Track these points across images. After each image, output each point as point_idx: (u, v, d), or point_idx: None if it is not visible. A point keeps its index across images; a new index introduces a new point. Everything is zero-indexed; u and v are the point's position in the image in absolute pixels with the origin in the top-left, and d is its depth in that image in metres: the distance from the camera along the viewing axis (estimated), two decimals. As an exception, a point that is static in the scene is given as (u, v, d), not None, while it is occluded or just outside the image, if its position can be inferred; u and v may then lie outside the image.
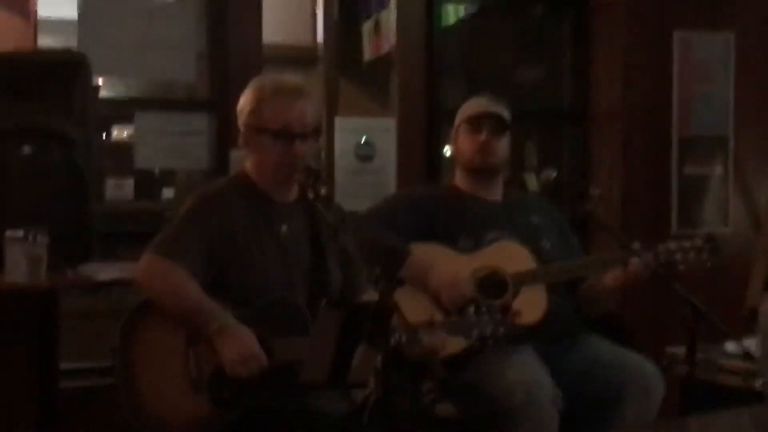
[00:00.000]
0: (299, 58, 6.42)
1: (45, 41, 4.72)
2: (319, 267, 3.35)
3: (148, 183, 6.11)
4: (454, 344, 3.48)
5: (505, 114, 3.93)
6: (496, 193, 3.97)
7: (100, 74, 4.75)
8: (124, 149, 5.11)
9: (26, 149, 3.66)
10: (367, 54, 5.60)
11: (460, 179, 3.99)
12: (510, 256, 3.80)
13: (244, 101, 3.34)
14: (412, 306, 3.42)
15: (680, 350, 3.89)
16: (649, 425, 3.60)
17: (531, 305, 3.68)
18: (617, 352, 3.79)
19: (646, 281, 3.72)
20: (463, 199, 3.92)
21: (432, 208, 3.88)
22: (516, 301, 3.66)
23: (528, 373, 3.55)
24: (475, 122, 3.90)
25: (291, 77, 3.41)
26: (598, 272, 3.83)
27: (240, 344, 3.09)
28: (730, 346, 4.00)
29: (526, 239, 3.85)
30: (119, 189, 4.65)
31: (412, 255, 3.73)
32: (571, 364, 3.74)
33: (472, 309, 3.32)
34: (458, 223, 3.84)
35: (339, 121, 5.07)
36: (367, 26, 5.57)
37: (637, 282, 3.71)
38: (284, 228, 3.33)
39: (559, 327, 3.77)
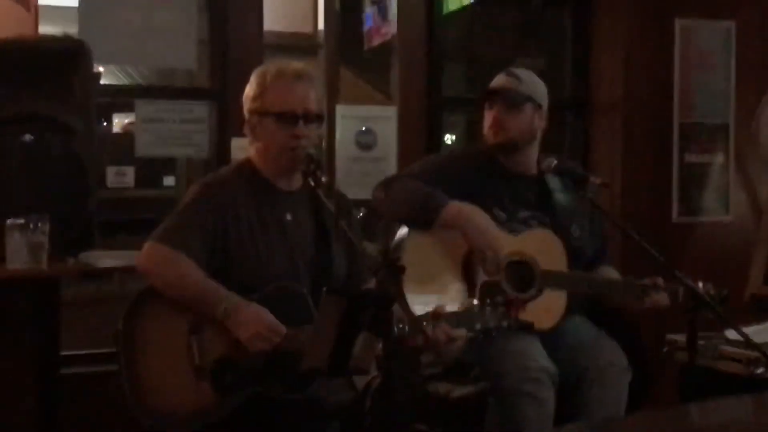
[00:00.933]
0: (300, 46, 6.42)
1: (45, 29, 4.71)
2: (323, 255, 3.35)
3: (149, 171, 6.12)
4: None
5: (522, 87, 3.88)
6: (529, 165, 3.93)
7: (101, 62, 4.74)
8: (124, 137, 5.11)
9: (27, 137, 3.66)
10: (370, 41, 5.59)
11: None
12: (546, 249, 3.77)
13: (248, 89, 3.36)
14: (429, 259, 3.43)
15: (681, 337, 3.90)
16: (643, 414, 3.62)
17: (547, 311, 3.68)
18: (590, 336, 3.79)
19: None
20: (495, 168, 3.89)
21: (465, 174, 3.84)
22: (535, 302, 3.65)
23: (529, 358, 3.55)
24: (489, 98, 3.89)
25: (295, 62, 3.41)
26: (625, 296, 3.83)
27: (254, 319, 3.10)
28: (731, 333, 4.00)
29: (556, 222, 3.83)
30: (120, 177, 4.64)
31: (454, 202, 3.69)
32: (547, 340, 3.73)
33: (475, 301, 3.32)
34: (491, 192, 3.81)
35: (340, 109, 5.07)
36: (370, 12, 5.56)
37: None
38: (288, 216, 3.33)
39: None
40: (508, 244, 3.73)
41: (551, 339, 3.71)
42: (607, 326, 3.92)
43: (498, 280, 3.59)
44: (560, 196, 3.90)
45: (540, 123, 3.91)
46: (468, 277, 3.69)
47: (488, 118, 3.88)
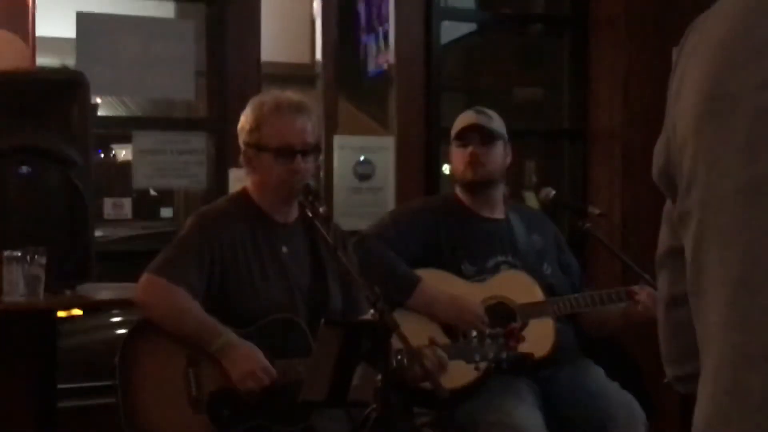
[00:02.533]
0: (298, 76, 6.42)
1: (43, 60, 4.72)
2: (320, 287, 3.34)
3: (146, 202, 6.12)
4: (463, 375, 3.47)
5: (494, 125, 3.90)
6: (496, 208, 3.94)
7: (99, 93, 4.75)
8: (122, 168, 5.10)
9: (24, 169, 3.65)
10: (371, 66, 5.60)
11: (460, 194, 3.96)
12: (518, 285, 3.79)
13: (244, 120, 3.34)
14: (413, 330, 3.41)
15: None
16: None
17: (539, 339, 3.67)
18: (608, 386, 3.75)
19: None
20: (464, 215, 3.90)
21: (434, 227, 3.85)
22: (524, 333, 3.64)
23: (521, 419, 3.52)
24: (463, 136, 3.89)
25: (291, 93, 3.39)
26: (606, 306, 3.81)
27: (247, 358, 3.09)
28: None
29: (528, 264, 3.83)
30: (118, 208, 4.63)
31: (421, 284, 3.70)
32: (562, 390, 3.72)
33: (474, 333, 3.31)
34: (460, 244, 3.82)
35: (338, 140, 5.07)
36: (369, 41, 5.57)
37: (647, 315, 3.66)
38: (285, 248, 3.32)
39: (560, 354, 3.75)
40: (479, 293, 3.75)
41: (566, 392, 3.69)
42: (605, 359, 3.90)
43: (484, 329, 3.55)
44: (527, 237, 3.90)
45: (508, 159, 3.94)
46: (452, 334, 3.67)
47: (463, 156, 3.87)
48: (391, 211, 4.15)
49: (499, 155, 3.89)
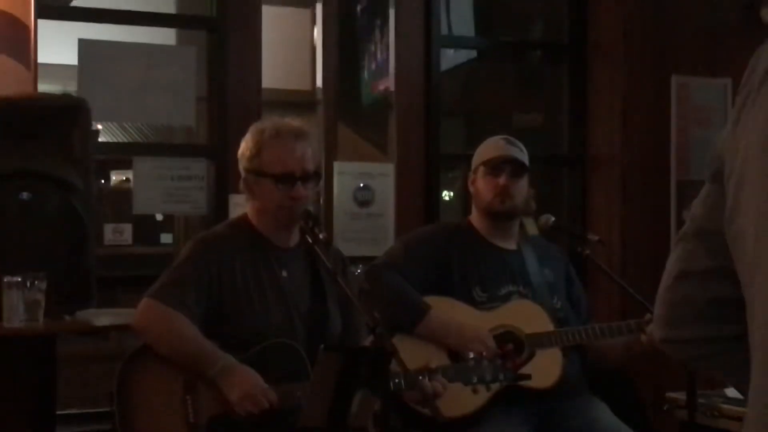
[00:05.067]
0: (298, 102, 6.44)
1: (45, 87, 4.74)
2: (319, 312, 3.34)
3: (146, 228, 6.11)
4: (463, 405, 3.47)
5: (525, 158, 3.90)
6: (510, 239, 3.93)
7: (100, 119, 4.76)
8: (122, 194, 5.11)
9: (25, 194, 3.66)
10: (370, 91, 5.62)
11: (477, 220, 3.95)
12: (528, 315, 3.78)
13: (244, 146, 3.35)
14: (418, 354, 3.41)
15: (681, 395, 3.87)
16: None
17: (545, 369, 3.66)
18: (615, 425, 3.73)
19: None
20: (478, 244, 3.89)
21: (446, 251, 3.83)
22: (531, 364, 3.65)
23: None
24: (495, 166, 3.86)
25: (291, 120, 3.41)
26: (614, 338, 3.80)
27: (245, 382, 3.09)
28: (731, 391, 3.97)
29: (538, 297, 3.83)
30: (118, 234, 4.64)
31: (430, 312, 3.70)
32: (567, 423, 3.71)
33: (471, 355, 3.31)
34: (472, 270, 3.81)
35: (337, 166, 5.08)
36: (368, 67, 5.60)
37: (652, 346, 3.64)
38: (284, 273, 3.33)
39: (564, 386, 3.73)
40: (488, 321, 3.74)
41: (571, 427, 3.70)
42: (604, 386, 3.89)
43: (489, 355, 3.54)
44: (539, 270, 3.90)
45: (529, 192, 3.94)
46: (457, 361, 3.66)
47: (494, 185, 3.84)
48: (403, 236, 4.12)
49: (525, 188, 3.90)
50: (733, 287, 1.43)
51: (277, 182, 3.25)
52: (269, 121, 3.37)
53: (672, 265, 1.57)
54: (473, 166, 3.96)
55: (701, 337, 1.53)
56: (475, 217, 3.97)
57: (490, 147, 3.94)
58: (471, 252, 3.86)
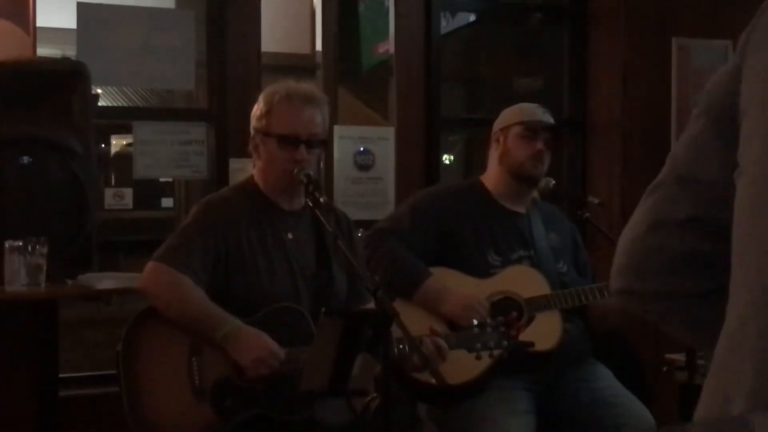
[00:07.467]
0: (298, 66, 6.42)
1: (44, 50, 4.73)
2: (324, 275, 3.35)
3: (147, 192, 6.12)
4: (466, 372, 3.48)
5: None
6: (522, 204, 3.89)
7: (99, 83, 4.75)
8: (123, 158, 5.11)
9: (25, 159, 3.66)
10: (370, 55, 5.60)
11: (493, 180, 3.90)
12: (525, 280, 3.76)
13: (256, 107, 3.36)
14: (416, 321, 3.42)
15: (680, 356, 3.89)
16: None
17: (545, 333, 3.65)
18: (620, 394, 3.72)
19: None
20: (488, 205, 3.85)
21: (458, 219, 3.80)
22: (530, 328, 3.65)
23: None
24: (534, 129, 3.82)
25: (306, 85, 3.40)
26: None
27: (254, 344, 3.10)
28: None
29: (546, 261, 3.82)
30: (118, 198, 4.64)
31: (428, 279, 3.70)
32: (572, 394, 3.71)
33: (475, 322, 3.31)
34: (485, 236, 3.78)
35: (338, 130, 5.07)
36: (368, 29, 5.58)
37: None
38: (289, 235, 3.33)
39: (567, 353, 3.73)
40: (486, 288, 3.73)
41: (574, 394, 3.71)
42: (604, 349, 3.90)
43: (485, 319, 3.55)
44: (545, 234, 3.89)
45: None
46: (455, 329, 3.66)
47: (531, 148, 3.79)
48: (410, 198, 4.03)
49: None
50: (713, 242, 1.37)
51: (281, 143, 3.25)
52: (283, 85, 3.36)
53: (644, 214, 1.46)
54: (502, 126, 3.88)
55: (668, 290, 1.46)
56: (491, 177, 3.91)
57: (528, 110, 3.89)
58: (483, 215, 3.82)
